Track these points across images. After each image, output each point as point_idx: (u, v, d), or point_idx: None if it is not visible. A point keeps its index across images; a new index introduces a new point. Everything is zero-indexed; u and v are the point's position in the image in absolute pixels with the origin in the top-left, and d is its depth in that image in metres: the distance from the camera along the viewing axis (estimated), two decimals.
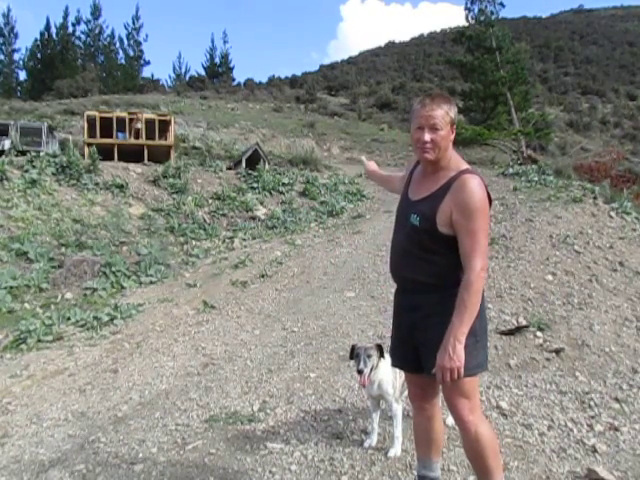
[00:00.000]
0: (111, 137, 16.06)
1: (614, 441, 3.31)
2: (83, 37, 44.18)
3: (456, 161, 2.28)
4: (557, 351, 4.65)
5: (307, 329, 5.80)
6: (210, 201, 13.29)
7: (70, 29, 43.38)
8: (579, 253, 6.83)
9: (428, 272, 2.26)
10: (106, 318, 7.12)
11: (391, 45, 66.43)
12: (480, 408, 2.33)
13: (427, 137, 2.18)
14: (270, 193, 14.31)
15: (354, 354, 3.03)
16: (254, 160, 16.10)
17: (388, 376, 3.07)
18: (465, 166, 2.26)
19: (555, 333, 4.98)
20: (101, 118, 16.30)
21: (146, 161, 15.39)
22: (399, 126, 30.10)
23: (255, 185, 14.47)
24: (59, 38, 42.63)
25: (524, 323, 5.11)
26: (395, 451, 3.09)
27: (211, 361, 5.32)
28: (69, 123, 21.77)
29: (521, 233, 7.70)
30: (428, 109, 2.19)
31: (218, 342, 5.95)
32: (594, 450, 3.18)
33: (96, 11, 43.63)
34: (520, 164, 17.00)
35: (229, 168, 16.08)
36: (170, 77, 50.56)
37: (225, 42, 71.32)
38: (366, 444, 3.22)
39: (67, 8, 54.64)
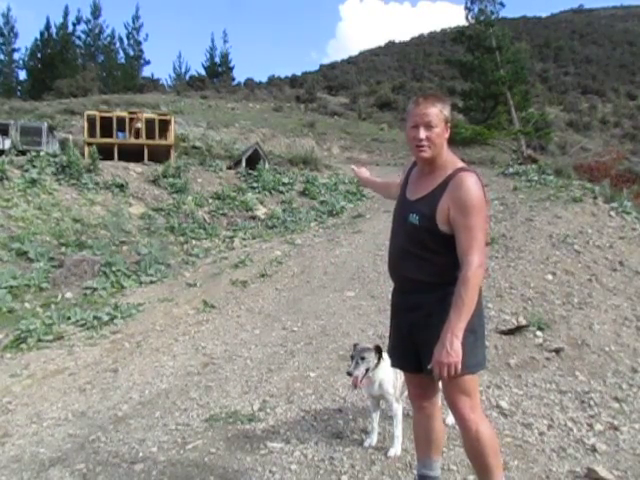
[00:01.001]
0: (111, 137, 16.06)
1: (614, 440, 3.31)
2: (83, 37, 44.21)
3: (452, 160, 2.29)
4: (557, 350, 4.65)
5: (307, 328, 5.80)
6: (210, 201, 13.30)
7: (70, 29, 43.41)
8: (579, 253, 6.83)
9: (428, 271, 2.26)
10: (106, 318, 7.12)
11: (391, 45, 66.39)
12: (480, 407, 2.34)
13: (422, 134, 2.21)
14: (270, 193, 14.32)
15: (351, 354, 3.05)
16: (254, 160, 16.10)
17: (389, 376, 3.08)
18: (461, 164, 2.28)
19: (555, 332, 4.98)
20: (101, 118, 16.30)
21: (146, 161, 15.40)
22: (399, 126, 30.06)
23: (255, 185, 14.48)
24: (59, 38, 42.60)
25: (524, 323, 5.11)
26: (395, 451, 3.10)
27: (211, 361, 5.32)
28: (69, 123, 21.77)
29: (521, 233, 7.71)
30: (422, 107, 2.22)
31: (218, 342, 5.95)
32: (594, 449, 3.18)
33: (96, 11, 43.65)
34: (520, 164, 17.00)
35: (229, 168, 16.08)
36: (170, 77, 50.54)
37: (225, 42, 71.27)
38: (366, 443, 3.22)
39: (67, 8, 54.51)
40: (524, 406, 3.75)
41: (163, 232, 11.34)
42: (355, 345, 3.10)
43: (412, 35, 71.13)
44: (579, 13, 76.76)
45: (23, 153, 13.51)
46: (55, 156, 13.15)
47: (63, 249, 9.67)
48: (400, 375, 3.01)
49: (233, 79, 48.81)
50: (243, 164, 16.02)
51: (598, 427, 3.47)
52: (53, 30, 42.58)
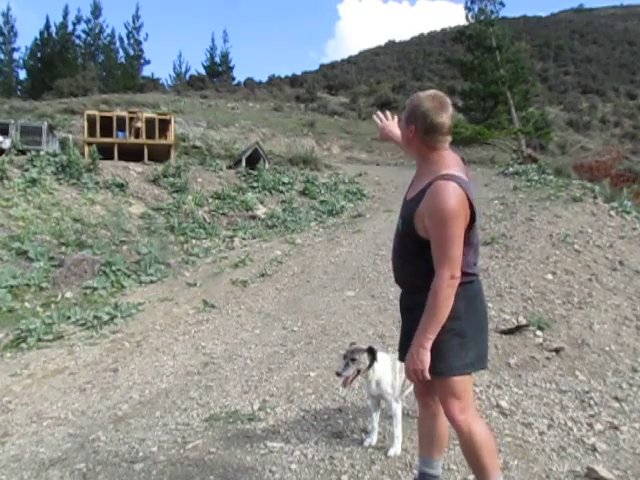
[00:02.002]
0: (111, 136, 16.05)
1: (614, 440, 3.31)
2: (83, 36, 44.23)
3: (439, 165, 2.22)
4: (557, 350, 4.65)
5: (307, 328, 5.80)
6: (210, 200, 13.29)
7: (70, 28, 43.44)
8: (579, 252, 6.83)
9: (415, 274, 2.30)
10: (106, 317, 7.12)
11: (391, 44, 66.38)
12: (473, 407, 2.33)
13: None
14: (270, 192, 14.32)
15: (343, 354, 3.07)
16: (254, 159, 16.10)
17: (387, 376, 3.08)
18: (446, 171, 2.18)
19: (555, 332, 4.98)
20: (101, 117, 16.31)
21: (146, 160, 15.40)
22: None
23: (255, 184, 14.48)
24: (59, 37, 42.62)
25: (524, 322, 5.11)
26: (395, 450, 3.10)
27: (211, 360, 5.32)
28: (69, 122, 21.76)
29: (521, 232, 7.71)
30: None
31: (218, 341, 5.95)
32: (594, 449, 3.18)
33: (96, 10, 43.67)
34: (520, 163, 17.00)
35: (229, 167, 16.08)
36: (170, 76, 50.57)
37: (225, 41, 71.65)
38: (366, 443, 3.22)
39: (67, 7, 54.65)
40: (524, 406, 3.75)
41: (163, 232, 11.33)
42: (351, 345, 3.12)
43: (412, 34, 71.12)
44: (579, 13, 76.78)
45: (23, 152, 13.50)
46: (55, 156, 13.14)
47: (63, 249, 9.67)
48: (400, 375, 3.01)
49: (233, 79, 48.85)
50: (243, 164, 16.01)
51: (598, 427, 3.46)
52: (53, 30, 42.70)
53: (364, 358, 3.00)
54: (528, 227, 7.86)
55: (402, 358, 2.56)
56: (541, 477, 2.88)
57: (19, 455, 3.70)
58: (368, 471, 2.95)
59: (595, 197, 9.14)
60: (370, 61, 56.63)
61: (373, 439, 3.23)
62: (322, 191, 14.77)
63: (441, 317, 2.11)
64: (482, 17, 24.13)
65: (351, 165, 20.05)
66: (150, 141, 16.26)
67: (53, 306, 7.76)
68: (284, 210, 13.30)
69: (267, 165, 16.04)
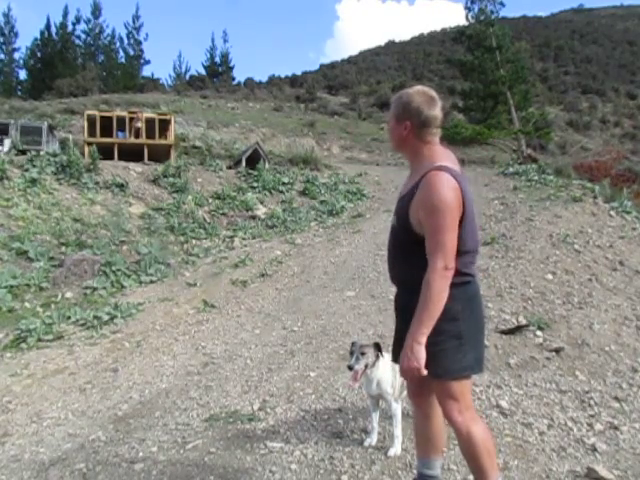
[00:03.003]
0: (111, 136, 16.06)
1: (614, 440, 3.31)
2: (83, 36, 44.22)
3: (432, 159, 2.22)
4: (557, 350, 4.65)
5: (307, 328, 5.80)
6: (210, 200, 13.29)
7: (70, 28, 43.41)
8: (579, 252, 6.83)
9: (409, 272, 2.26)
10: (106, 317, 7.12)
11: (391, 44, 66.41)
12: (472, 408, 2.31)
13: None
14: (270, 192, 14.32)
15: (350, 351, 3.07)
16: (254, 159, 16.10)
17: (387, 375, 3.08)
18: (438, 163, 2.18)
19: (555, 332, 4.98)
20: (101, 117, 16.32)
21: (146, 160, 15.40)
22: None
23: (255, 184, 14.48)
24: (59, 37, 42.60)
25: (524, 322, 5.11)
26: (395, 450, 3.10)
27: (211, 360, 5.32)
28: (69, 122, 21.75)
29: (521, 232, 7.71)
30: None
31: (218, 341, 5.95)
32: (594, 449, 3.18)
33: (96, 10, 43.64)
34: (520, 163, 17.02)
35: (229, 167, 16.08)
36: (170, 76, 50.54)
37: (225, 41, 71.68)
38: (366, 443, 3.22)
39: (67, 7, 54.65)
40: (524, 406, 3.75)
41: (163, 232, 11.33)
42: (353, 343, 3.12)
43: (412, 34, 71.21)
44: (579, 13, 76.79)
45: (23, 153, 13.51)
46: (55, 156, 13.15)
47: (63, 249, 9.66)
48: (400, 375, 3.01)
49: (233, 79, 48.84)
50: (243, 164, 16.01)
51: (598, 427, 3.46)
52: (53, 30, 42.66)
53: (372, 353, 3.02)
54: (528, 227, 7.86)
55: (396, 359, 2.57)
56: (541, 477, 2.88)
57: (19, 455, 3.70)
58: (368, 471, 2.95)
59: (595, 197, 9.15)
60: (370, 61, 56.63)
61: (373, 439, 3.23)
62: (322, 191, 14.77)
63: (435, 311, 2.06)
64: (482, 17, 24.15)
65: (351, 165, 20.05)
66: (150, 141, 16.26)
67: (53, 306, 7.76)
68: (284, 210, 13.29)
69: (267, 165, 16.03)
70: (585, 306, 5.51)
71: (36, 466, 3.43)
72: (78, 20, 43.51)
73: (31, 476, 3.29)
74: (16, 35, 43.52)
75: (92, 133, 15.83)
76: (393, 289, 2.56)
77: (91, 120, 16.07)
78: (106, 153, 14.32)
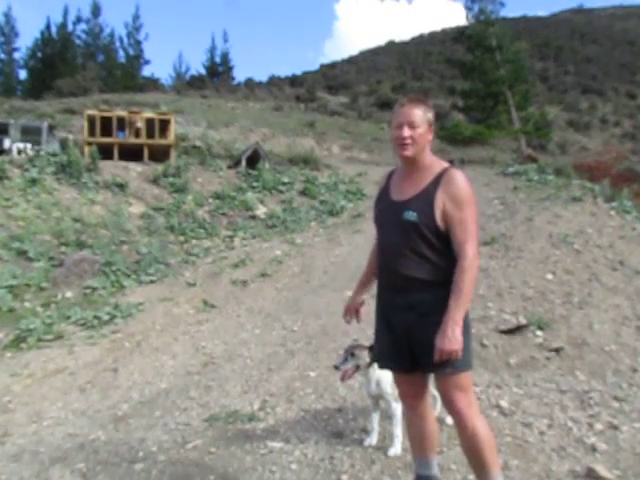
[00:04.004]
0: (111, 136, 16.07)
1: (614, 440, 3.31)
2: (83, 36, 44.28)
3: (438, 161, 2.39)
4: (557, 350, 4.65)
5: (307, 328, 5.80)
6: (210, 200, 13.30)
7: (70, 28, 43.50)
8: (579, 252, 6.82)
9: (427, 269, 2.27)
10: (106, 317, 7.13)
11: (391, 44, 66.42)
12: (476, 403, 2.37)
13: (406, 133, 2.29)
14: (270, 192, 14.32)
15: (344, 350, 3.10)
16: (254, 159, 16.11)
17: (386, 375, 3.07)
18: (447, 164, 2.38)
19: (555, 332, 4.98)
20: (101, 117, 16.32)
21: (146, 160, 15.41)
22: None
23: (255, 184, 14.48)
24: (59, 37, 42.63)
25: (524, 322, 5.11)
26: (395, 450, 3.10)
27: (211, 360, 5.32)
28: (69, 122, 21.75)
29: (521, 232, 7.70)
30: (407, 108, 2.32)
31: (218, 341, 5.95)
32: (594, 449, 3.18)
33: (96, 10, 43.69)
34: (520, 163, 16.99)
35: (229, 167, 16.09)
36: (170, 76, 50.62)
37: (225, 41, 71.76)
38: (366, 443, 3.22)
39: (67, 7, 54.69)
40: (524, 405, 3.75)
41: (163, 232, 11.34)
42: (354, 341, 3.13)
43: (411, 34, 71.22)
44: (579, 13, 76.79)
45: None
46: (55, 155, 13.16)
47: (63, 248, 9.67)
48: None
49: (233, 79, 48.87)
50: (243, 164, 16.01)
51: (598, 426, 3.46)
52: (53, 29, 42.72)
53: (364, 355, 3.01)
54: (528, 227, 7.85)
55: (385, 365, 2.55)
56: (541, 477, 2.88)
57: (19, 455, 3.69)
58: (368, 471, 2.95)
59: (595, 197, 9.13)
60: (370, 61, 56.64)
61: (373, 439, 3.23)
62: (322, 191, 14.77)
63: (470, 294, 2.19)
64: (482, 17, 24.15)
65: (351, 165, 20.03)
66: (150, 141, 16.28)
67: (53, 306, 7.76)
68: (284, 210, 13.30)
69: (267, 165, 16.04)
70: (585, 306, 5.50)
71: (36, 465, 3.43)
72: (78, 20, 43.65)
73: (31, 475, 3.29)
74: (17, 35, 43.68)
75: (92, 133, 15.84)
76: None
77: (91, 120, 16.08)
78: (106, 153, 14.33)
